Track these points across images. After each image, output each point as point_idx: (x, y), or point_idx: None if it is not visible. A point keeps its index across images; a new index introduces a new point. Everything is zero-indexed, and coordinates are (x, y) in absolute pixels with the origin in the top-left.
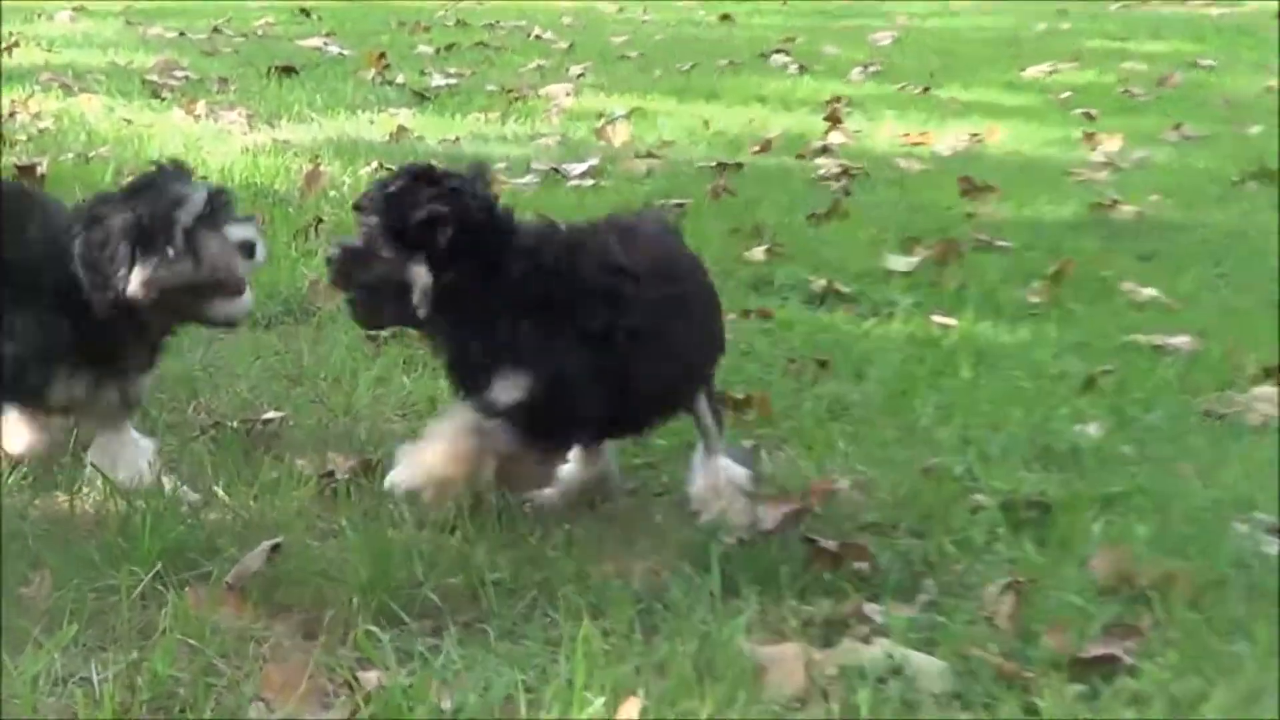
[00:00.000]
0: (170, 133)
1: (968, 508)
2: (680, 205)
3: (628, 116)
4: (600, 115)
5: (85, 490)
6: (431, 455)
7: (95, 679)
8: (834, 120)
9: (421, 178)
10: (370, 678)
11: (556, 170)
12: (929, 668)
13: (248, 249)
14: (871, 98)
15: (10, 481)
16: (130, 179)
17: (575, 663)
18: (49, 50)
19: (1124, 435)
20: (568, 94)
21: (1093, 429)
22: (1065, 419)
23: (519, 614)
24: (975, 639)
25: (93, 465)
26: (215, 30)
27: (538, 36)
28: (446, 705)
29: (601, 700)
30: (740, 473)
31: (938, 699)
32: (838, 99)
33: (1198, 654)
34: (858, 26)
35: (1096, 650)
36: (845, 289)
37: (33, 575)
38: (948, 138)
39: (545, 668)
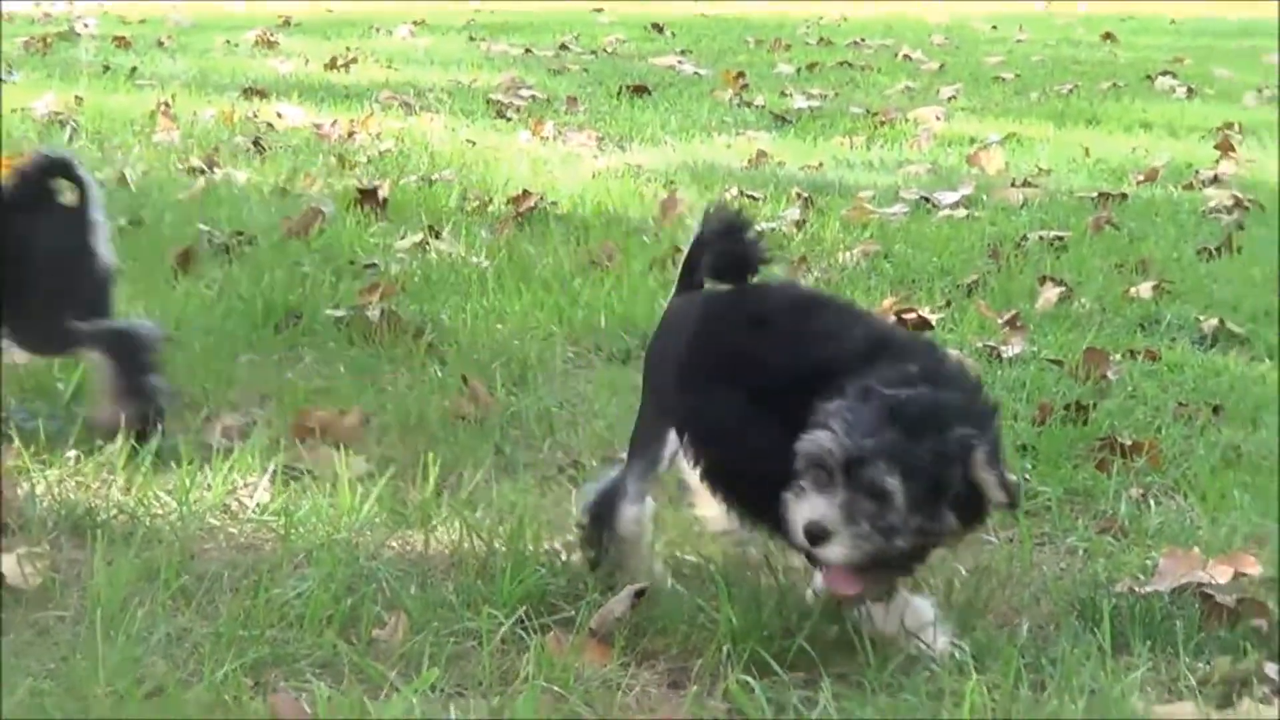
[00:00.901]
0: (517, 156)
1: None
2: (1060, 238)
3: (1002, 142)
4: (973, 141)
5: (440, 529)
6: None
7: None
8: (1225, 148)
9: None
10: None
11: (926, 199)
12: None
13: None
14: (1266, 124)
15: (361, 518)
16: None
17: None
18: (389, 67)
19: None
20: (938, 118)
21: None
22: None
23: (897, 667)
24: None
25: None
26: (563, 47)
27: (906, 56)
28: None
29: None
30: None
31: None
32: (1229, 125)
33: None
34: (1252, 47)
35: None
36: (1238, 329)
37: (388, 617)
38: None
39: None
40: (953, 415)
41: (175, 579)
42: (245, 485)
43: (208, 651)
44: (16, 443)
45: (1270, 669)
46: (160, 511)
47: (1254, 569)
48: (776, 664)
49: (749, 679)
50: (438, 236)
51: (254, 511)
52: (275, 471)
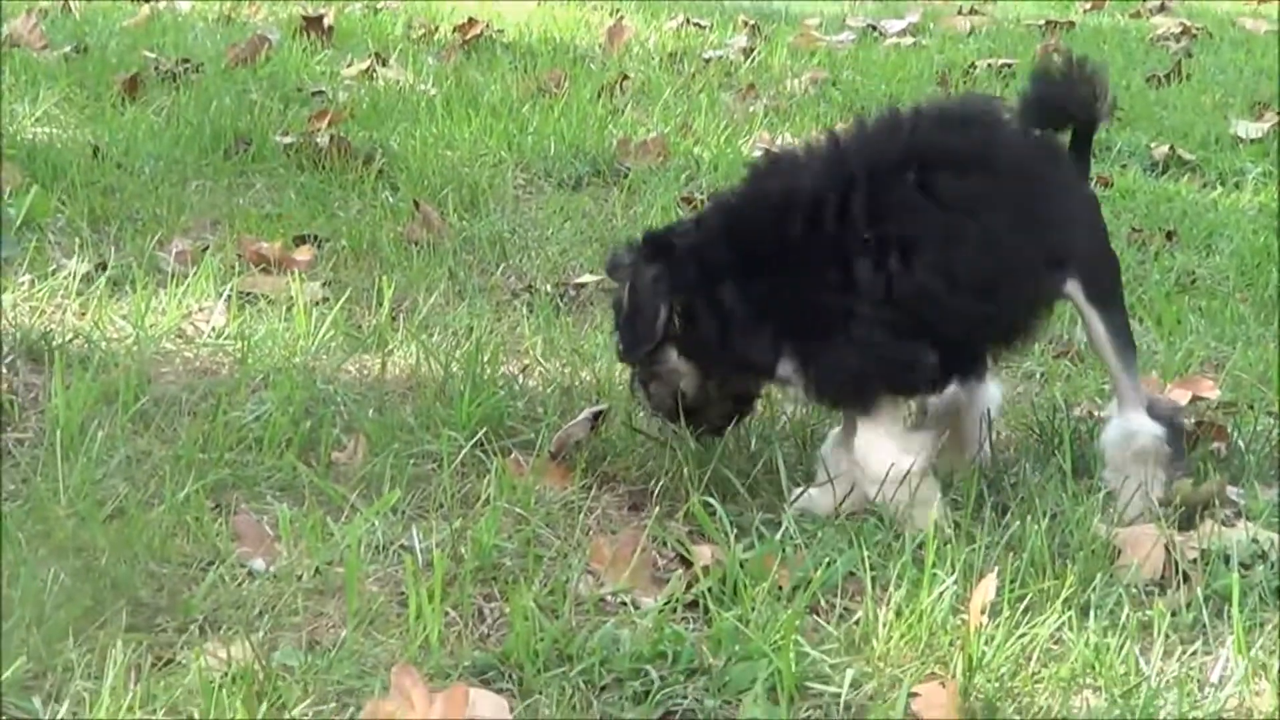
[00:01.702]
0: None
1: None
2: (1008, 65)
3: None
4: None
5: (397, 353)
6: None
7: (418, 547)
8: None
9: None
10: (704, 552)
11: (874, 27)
12: None
13: None
14: None
15: (317, 342)
16: None
17: (925, 539)
18: None
19: None
20: None
21: None
22: None
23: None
24: None
25: None
26: None
27: None
28: (785, 582)
29: (953, 579)
30: (1158, 432)
31: None
32: None
33: None
34: None
35: None
36: (1189, 156)
37: (347, 440)
38: None
39: (889, 545)
40: None
41: (133, 402)
42: (200, 310)
43: (168, 474)
44: None
45: (1231, 491)
46: (116, 336)
47: (1212, 392)
48: (737, 486)
49: (711, 500)
50: (384, 64)
51: (210, 336)
52: (230, 296)
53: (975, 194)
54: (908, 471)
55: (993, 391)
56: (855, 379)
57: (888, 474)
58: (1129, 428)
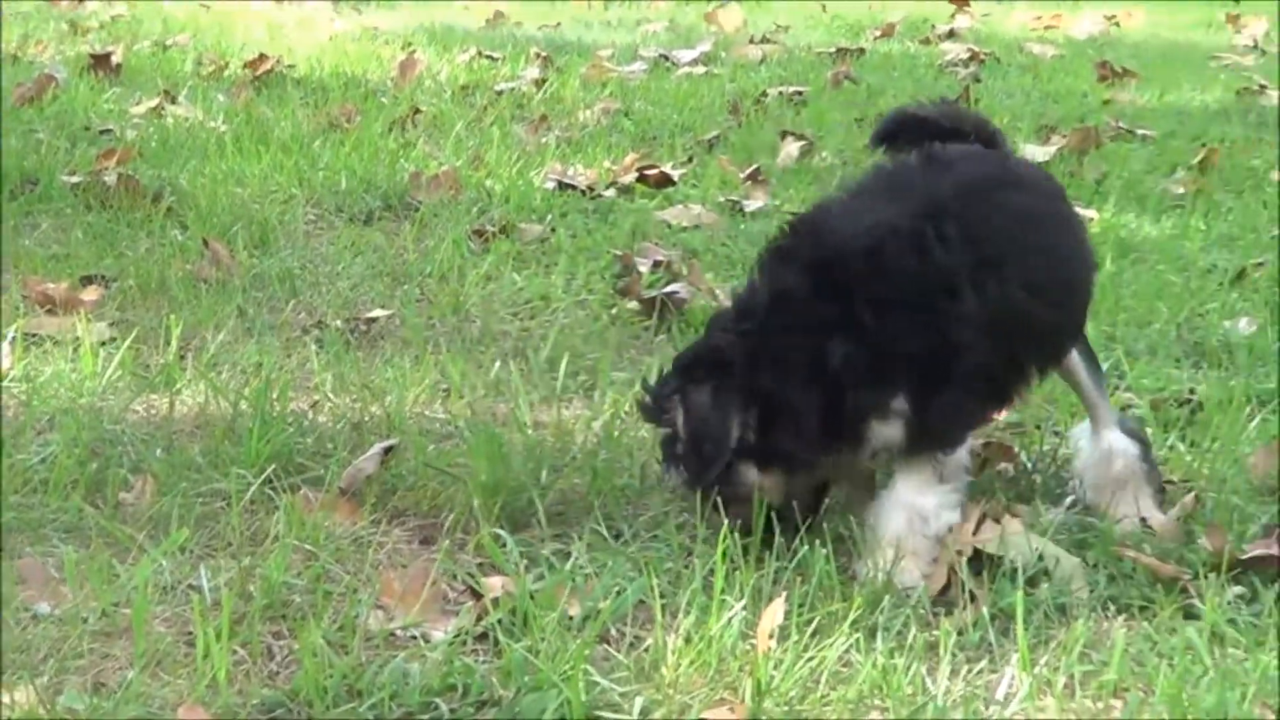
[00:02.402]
0: (252, 21)
1: (1114, 405)
2: (799, 93)
3: (740, 0)
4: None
5: (185, 392)
6: None
7: (206, 586)
8: (960, 3)
9: None
10: (495, 583)
11: (665, 57)
12: (1081, 571)
13: None
14: None
15: (105, 382)
16: None
17: (714, 566)
18: None
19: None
20: None
21: (1245, 324)
22: (1216, 314)
23: (650, 519)
24: (1128, 541)
25: None
26: None
27: None
28: (576, 611)
29: (741, 604)
30: (1135, 452)
31: (1091, 602)
32: None
33: None
34: None
35: (1257, 551)
36: None
37: (134, 480)
38: (1082, 21)
39: (679, 573)
40: None
41: None
42: None
43: None
44: None
45: (1019, 510)
46: None
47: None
48: (528, 518)
49: (501, 532)
50: (174, 101)
51: None
52: (14, 338)
53: (1031, 211)
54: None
55: None
56: (966, 415)
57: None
58: (1107, 449)
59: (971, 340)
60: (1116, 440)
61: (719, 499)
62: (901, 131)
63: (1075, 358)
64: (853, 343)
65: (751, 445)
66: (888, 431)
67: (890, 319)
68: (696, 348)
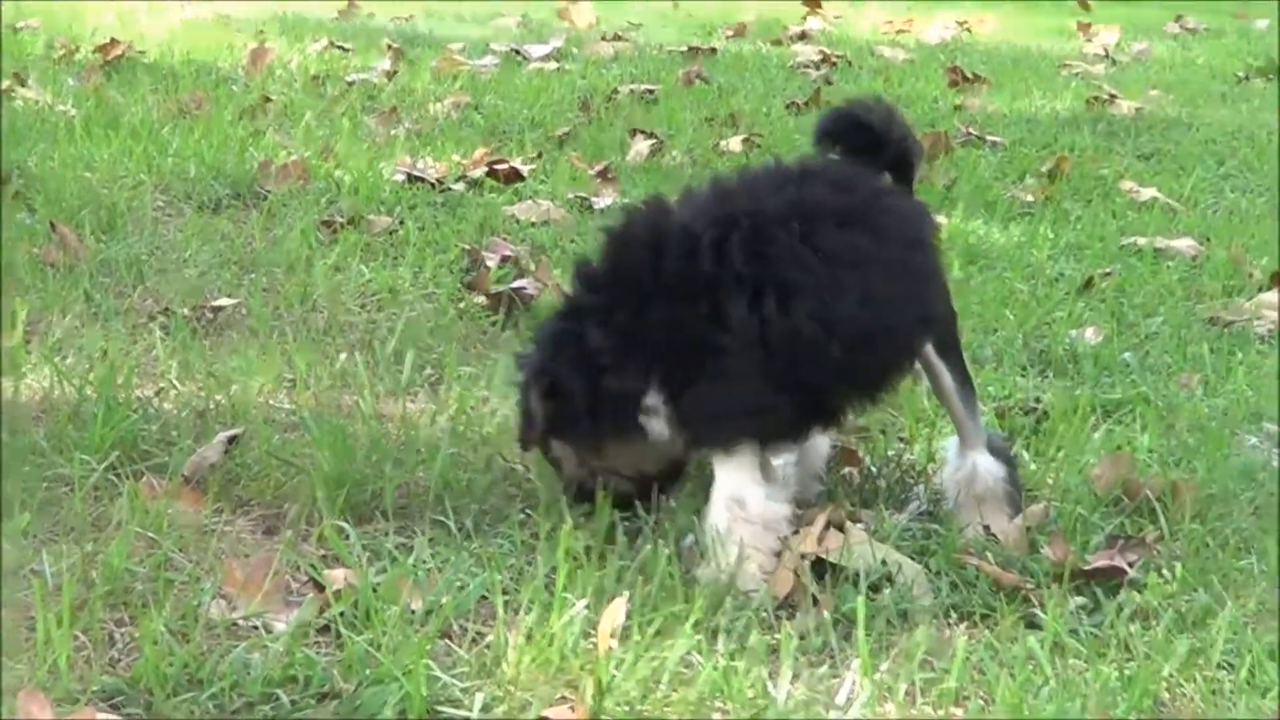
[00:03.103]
0: (103, 5)
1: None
2: (650, 91)
3: None
4: None
5: (30, 376)
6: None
7: (48, 571)
8: (813, 5)
9: None
10: (337, 576)
11: (517, 52)
12: (923, 577)
13: None
14: None
15: None
16: None
17: (556, 563)
18: None
19: (1124, 341)
20: None
21: (1091, 334)
22: (1062, 323)
23: (492, 513)
24: (971, 548)
25: None
26: None
27: None
28: (418, 606)
29: (584, 603)
30: (1000, 474)
31: (933, 609)
32: None
33: (1204, 568)
34: None
35: (1099, 562)
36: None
37: None
38: (934, 25)
39: (522, 569)
40: None
41: None
42: None
43: None
44: None
45: (863, 515)
46: None
47: None
48: (371, 511)
49: (344, 524)
50: (24, 84)
51: None
52: None
53: (858, 249)
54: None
55: (822, 443)
56: (722, 420)
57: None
58: (972, 469)
59: (730, 346)
60: (982, 460)
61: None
62: (837, 131)
63: (949, 384)
64: (607, 331)
65: (554, 418)
66: (654, 425)
67: (647, 313)
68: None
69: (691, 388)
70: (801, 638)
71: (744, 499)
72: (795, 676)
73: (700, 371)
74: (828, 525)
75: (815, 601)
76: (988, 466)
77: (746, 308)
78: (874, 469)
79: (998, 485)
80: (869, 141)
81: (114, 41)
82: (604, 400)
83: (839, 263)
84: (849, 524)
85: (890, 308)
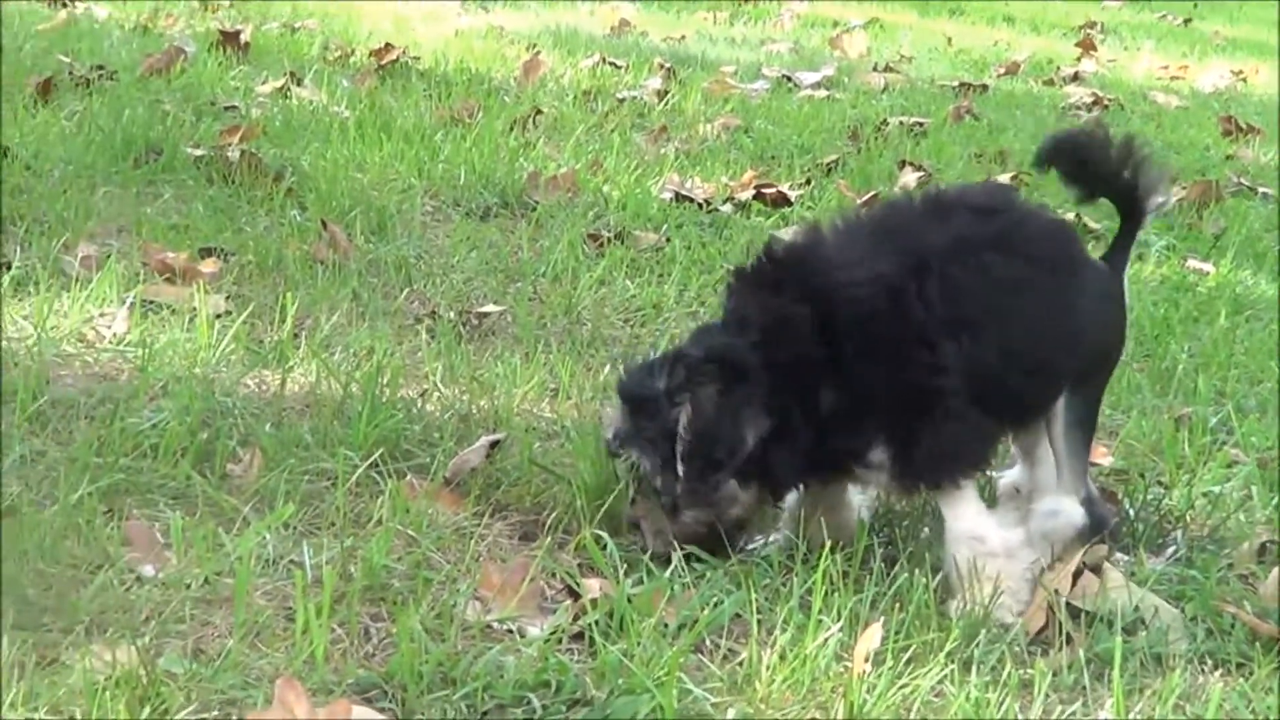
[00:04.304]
0: (380, 10)
1: (1221, 461)
2: (920, 124)
3: (865, 27)
4: (835, 24)
5: (297, 370)
6: None
7: (309, 563)
8: (1087, 47)
9: None
10: (593, 585)
11: (788, 78)
12: (1180, 622)
13: None
14: (1128, 25)
15: (218, 354)
16: None
17: (813, 586)
18: None
19: None
20: None
21: None
22: None
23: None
24: (1229, 597)
25: None
26: None
27: None
28: (671, 619)
29: (837, 626)
30: (1079, 525)
31: (1188, 654)
32: (1092, 24)
33: None
34: None
35: None
36: (1095, 225)
37: (243, 453)
38: (1209, 73)
39: (777, 590)
40: None
41: (31, 402)
42: (102, 315)
43: (61, 475)
44: None
45: (1120, 559)
46: (16, 335)
47: (1105, 459)
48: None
49: (602, 534)
50: (299, 83)
51: (110, 342)
52: (133, 303)
53: (1016, 277)
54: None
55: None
56: (951, 459)
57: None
58: (1055, 506)
59: (949, 387)
60: (1069, 506)
61: (686, 506)
62: (1057, 157)
63: (1057, 415)
64: (837, 390)
65: (749, 459)
66: (871, 476)
67: (870, 368)
68: (704, 348)
69: (917, 434)
70: (1054, 674)
71: (981, 534)
72: (1046, 712)
73: (923, 418)
74: (1082, 571)
75: (1069, 639)
76: (1071, 511)
77: (954, 350)
78: (1132, 512)
79: (1072, 533)
80: (1087, 171)
81: (389, 46)
82: (825, 454)
83: (1004, 292)
84: (1106, 566)
85: (1049, 334)
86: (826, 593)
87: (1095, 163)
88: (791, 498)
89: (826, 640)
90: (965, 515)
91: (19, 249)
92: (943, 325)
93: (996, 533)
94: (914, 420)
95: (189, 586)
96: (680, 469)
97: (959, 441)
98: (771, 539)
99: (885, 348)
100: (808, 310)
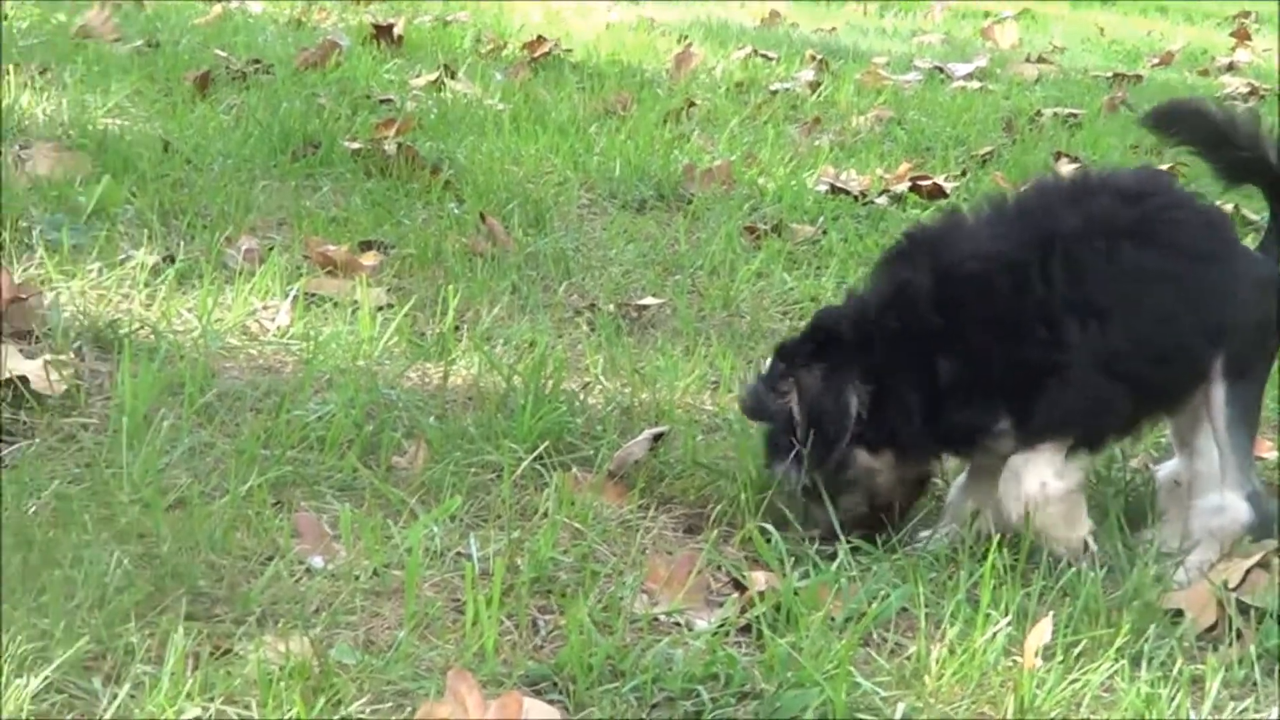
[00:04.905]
0: (529, 4)
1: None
2: (1074, 115)
3: (1016, 18)
4: (986, 15)
5: (460, 362)
6: None
7: (476, 555)
8: (1241, 37)
9: None
10: (759, 578)
11: (940, 69)
12: None
13: None
14: None
15: (381, 347)
16: None
17: (980, 579)
18: None
19: None
20: None
21: None
22: None
23: (913, 526)
24: None
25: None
26: None
27: None
28: (838, 613)
29: (1006, 620)
30: (1246, 523)
31: None
32: (1246, 14)
33: None
34: None
35: None
36: (1254, 217)
37: (408, 445)
38: None
39: (943, 583)
40: None
41: (198, 395)
42: (265, 308)
43: (230, 467)
44: (40, 252)
45: None
46: (181, 328)
47: (1270, 453)
48: (792, 516)
49: (767, 527)
50: (453, 76)
51: (274, 334)
52: (296, 296)
53: (1150, 265)
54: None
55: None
56: (1075, 413)
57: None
58: (1220, 502)
59: (1068, 362)
60: (1235, 503)
61: (827, 493)
62: (1175, 123)
63: (1219, 407)
64: (959, 363)
65: (864, 426)
66: (999, 445)
67: (989, 343)
68: (801, 335)
69: (1036, 402)
70: (1225, 670)
71: (1046, 481)
72: (1217, 708)
73: (1042, 388)
74: (1252, 569)
75: (1239, 635)
76: (1239, 507)
77: (1077, 329)
78: None
79: (1238, 530)
80: (1204, 137)
81: (540, 39)
82: (951, 427)
83: (1134, 278)
84: (1275, 561)
85: (1182, 324)
86: (994, 586)
87: (1215, 134)
88: (954, 492)
89: (995, 634)
90: (1039, 467)
91: (182, 242)
92: (1066, 305)
93: (1058, 482)
94: (1033, 391)
95: (358, 578)
96: (804, 453)
97: (1078, 404)
98: (939, 533)
99: (1004, 323)
100: (929, 283)
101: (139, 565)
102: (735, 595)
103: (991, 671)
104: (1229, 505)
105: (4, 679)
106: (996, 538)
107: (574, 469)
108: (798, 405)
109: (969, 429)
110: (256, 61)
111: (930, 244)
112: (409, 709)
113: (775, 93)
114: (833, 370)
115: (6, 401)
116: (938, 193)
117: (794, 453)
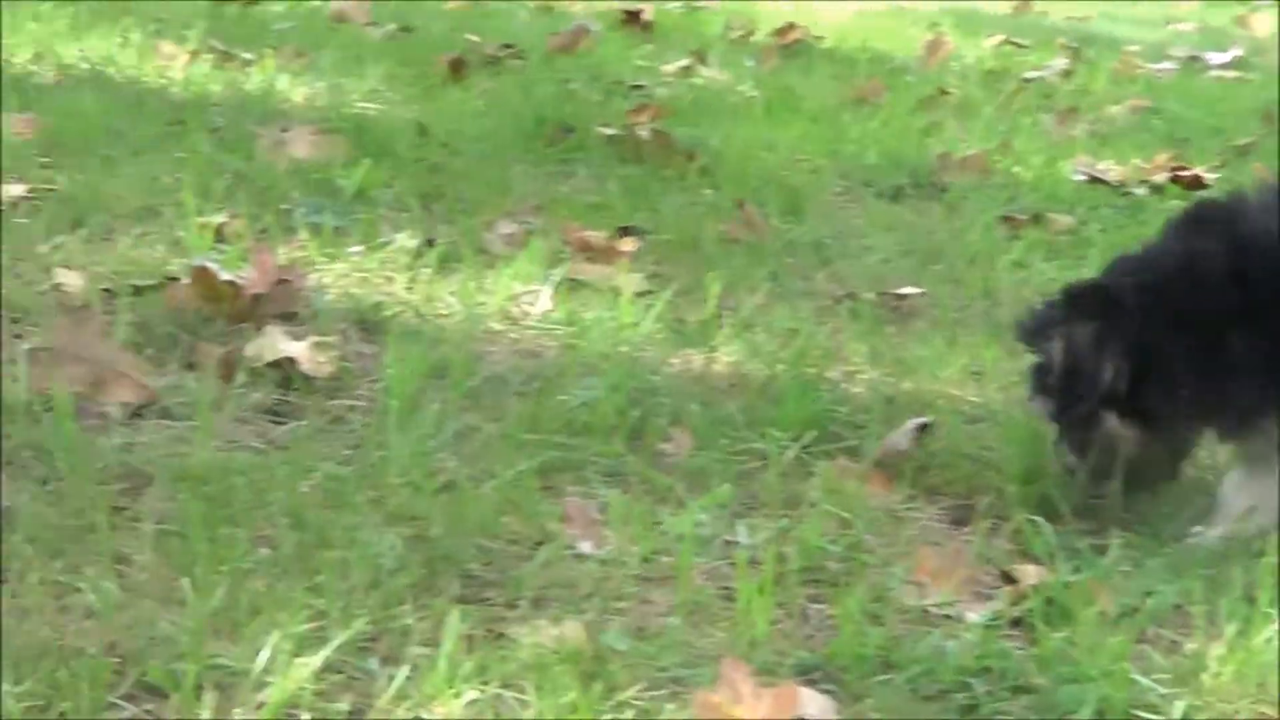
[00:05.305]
0: None
1: None
2: None
3: (1273, 6)
4: (1243, 3)
5: (722, 349)
6: None
7: (745, 543)
8: None
9: None
10: (1029, 571)
11: (1195, 58)
12: None
13: None
14: None
15: (643, 333)
16: None
17: (1259, 576)
18: None
19: None
20: None
21: None
22: None
23: (1188, 518)
24: None
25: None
26: None
27: None
28: (1109, 608)
29: None
30: None
31: None
32: None
33: None
34: None
35: None
36: None
37: (672, 431)
38: None
39: (1216, 579)
40: None
41: (464, 379)
42: (525, 293)
43: (497, 451)
44: (303, 235)
45: None
46: (444, 312)
47: None
48: (1059, 509)
49: (1038, 519)
50: (704, 62)
51: (537, 319)
52: (559, 281)
53: None
54: None
55: None
56: None
57: None
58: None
59: None
60: None
61: (1078, 443)
62: None
63: None
64: (1247, 338)
65: (1120, 394)
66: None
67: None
68: (1092, 282)
69: None
70: None
71: None
72: None
73: None
74: None
75: None
76: None
77: None
78: None
79: None
80: None
81: (791, 26)
82: (1226, 403)
83: None
84: None
85: None
86: (1273, 584)
87: None
88: (1226, 487)
89: (1272, 634)
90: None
91: (441, 226)
92: None
93: None
94: None
95: (626, 564)
96: (1045, 399)
97: None
98: (1213, 532)
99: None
100: (1223, 253)
101: (410, 548)
102: (1005, 588)
103: (1271, 672)
104: None
105: (284, 658)
106: (1274, 536)
107: (839, 458)
108: (1060, 355)
109: (1247, 408)
110: (508, 46)
111: (1224, 215)
112: (682, 696)
113: (1028, 81)
114: (1103, 332)
115: (276, 383)
116: (1197, 184)
117: (1045, 392)
